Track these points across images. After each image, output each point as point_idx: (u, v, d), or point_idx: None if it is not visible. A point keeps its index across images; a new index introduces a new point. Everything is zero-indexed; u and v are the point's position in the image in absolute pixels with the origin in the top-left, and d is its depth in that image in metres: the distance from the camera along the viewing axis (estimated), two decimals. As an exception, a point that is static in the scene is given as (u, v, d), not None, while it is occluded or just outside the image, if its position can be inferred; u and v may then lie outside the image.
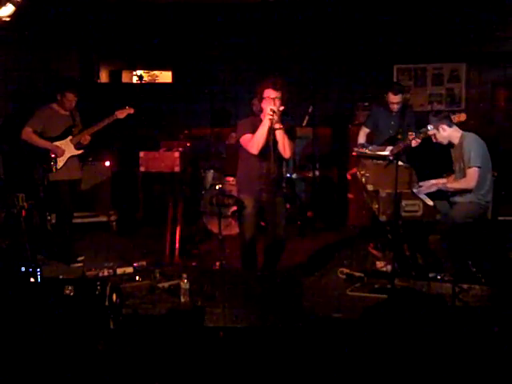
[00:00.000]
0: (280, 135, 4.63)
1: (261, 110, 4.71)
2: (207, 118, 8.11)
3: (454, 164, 5.19)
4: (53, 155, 5.83)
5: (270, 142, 4.57)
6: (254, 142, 4.67)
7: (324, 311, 4.54)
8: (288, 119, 4.94)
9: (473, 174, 4.92)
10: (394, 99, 5.86)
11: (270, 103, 4.60)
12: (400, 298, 4.00)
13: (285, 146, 4.68)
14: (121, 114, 6.00)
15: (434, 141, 5.10)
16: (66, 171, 5.90)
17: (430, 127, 5.05)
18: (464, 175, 5.01)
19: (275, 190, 4.77)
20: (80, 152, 6.02)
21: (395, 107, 5.90)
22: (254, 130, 4.69)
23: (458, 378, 3.40)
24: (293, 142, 4.84)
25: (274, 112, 4.53)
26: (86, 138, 5.96)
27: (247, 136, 4.73)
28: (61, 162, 5.88)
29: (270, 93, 4.64)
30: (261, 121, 4.67)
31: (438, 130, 5.04)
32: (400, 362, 3.53)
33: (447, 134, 5.06)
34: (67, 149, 5.92)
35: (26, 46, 7.28)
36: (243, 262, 4.99)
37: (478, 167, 4.90)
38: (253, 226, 4.88)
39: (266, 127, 4.59)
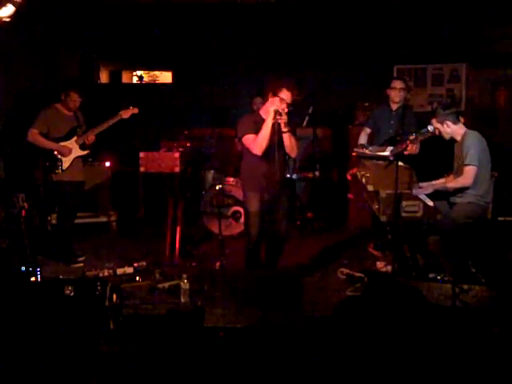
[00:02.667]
0: (287, 137, 4.63)
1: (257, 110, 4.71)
2: (207, 118, 8.13)
3: (455, 160, 5.20)
4: (58, 156, 5.82)
5: (275, 142, 4.57)
6: (258, 143, 4.64)
7: (324, 311, 4.53)
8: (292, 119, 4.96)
9: (469, 172, 4.92)
10: (398, 84, 5.89)
11: (276, 103, 4.59)
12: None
13: (293, 147, 4.70)
14: (125, 114, 5.99)
15: (437, 134, 5.09)
16: (70, 172, 5.89)
17: (430, 127, 5.05)
18: (461, 173, 5.01)
19: (280, 189, 4.78)
20: (85, 153, 6.00)
21: (397, 94, 5.88)
22: (256, 129, 4.67)
23: (459, 378, 3.40)
24: (297, 140, 4.86)
25: (280, 115, 4.53)
26: (91, 138, 5.94)
27: (250, 136, 4.70)
28: (66, 163, 5.86)
29: (285, 95, 4.60)
30: (262, 119, 4.67)
31: (442, 124, 5.04)
32: (399, 362, 3.54)
33: (450, 130, 5.05)
34: (73, 149, 5.91)
35: (26, 46, 7.28)
36: (247, 261, 4.98)
37: (476, 166, 4.90)
38: (259, 223, 4.85)
39: (268, 128, 4.58)
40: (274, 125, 4.58)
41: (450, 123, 5.03)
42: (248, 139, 4.72)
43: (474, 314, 4.25)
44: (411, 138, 5.26)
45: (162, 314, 4.49)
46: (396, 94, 5.91)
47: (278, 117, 4.53)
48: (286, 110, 4.59)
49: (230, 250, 5.63)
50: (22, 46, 7.20)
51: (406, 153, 5.21)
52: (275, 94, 4.62)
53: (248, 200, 4.90)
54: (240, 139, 4.82)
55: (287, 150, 4.68)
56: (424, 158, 5.71)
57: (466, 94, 8.16)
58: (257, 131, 4.66)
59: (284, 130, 4.58)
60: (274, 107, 4.56)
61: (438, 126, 5.04)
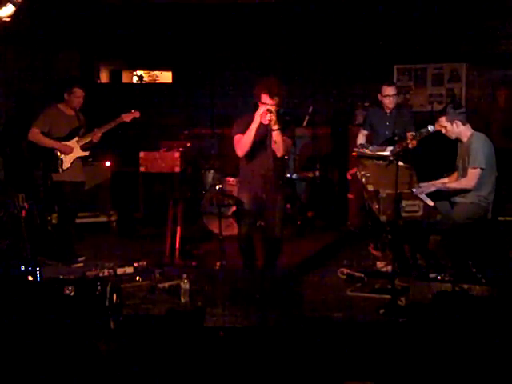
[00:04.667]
0: (275, 135, 4.61)
1: (256, 107, 4.71)
2: (207, 118, 8.13)
3: (458, 160, 5.19)
4: (59, 155, 5.81)
5: (268, 141, 4.57)
6: (241, 144, 4.70)
7: (324, 311, 4.54)
8: (289, 117, 4.96)
9: (474, 174, 4.92)
10: (389, 91, 5.86)
11: (264, 107, 4.61)
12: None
13: (279, 146, 4.66)
14: (127, 118, 6.00)
15: (444, 132, 5.08)
16: (71, 172, 5.88)
17: (430, 127, 5.04)
18: (465, 174, 5.01)
19: (274, 188, 4.78)
20: (86, 153, 6.00)
21: (390, 101, 5.87)
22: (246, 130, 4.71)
23: (459, 378, 3.40)
24: (290, 140, 4.86)
25: (271, 112, 4.54)
26: (97, 136, 5.94)
27: (238, 137, 4.75)
28: (67, 163, 5.85)
29: (266, 99, 4.63)
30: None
31: (451, 123, 5.03)
32: (400, 362, 3.54)
33: (459, 130, 5.04)
34: (74, 149, 5.90)
35: (26, 46, 7.28)
36: (243, 259, 5.02)
37: (481, 169, 4.90)
38: (249, 222, 4.87)
39: (252, 130, 4.60)
40: (266, 126, 4.59)
41: (459, 123, 5.02)
42: (236, 139, 4.77)
43: (474, 314, 4.25)
44: (410, 137, 5.26)
45: (162, 313, 4.49)
46: (390, 101, 5.90)
47: (268, 116, 4.53)
48: (275, 108, 4.59)
49: (230, 250, 5.62)
50: (21, 46, 7.19)
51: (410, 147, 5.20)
52: (260, 99, 4.65)
53: (240, 199, 4.94)
54: (232, 139, 4.86)
55: (273, 146, 4.64)
56: (425, 158, 5.71)
57: (466, 94, 8.16)
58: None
59: (274, 127, 4.57)
60: (267, 107, 4.57)
61: (447, 124, 5.02)
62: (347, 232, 7.11)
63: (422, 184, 5.19)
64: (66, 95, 5.86)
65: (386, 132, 5.94)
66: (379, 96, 5.95)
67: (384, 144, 5.76)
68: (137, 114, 6.04)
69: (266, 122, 4.58)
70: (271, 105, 4.59)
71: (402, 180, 4.82)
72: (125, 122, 6.02)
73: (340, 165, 7.77)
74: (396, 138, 5.59)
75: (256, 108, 4.70)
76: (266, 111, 4.54)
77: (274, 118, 4.54)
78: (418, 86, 8.31)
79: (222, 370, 3.49)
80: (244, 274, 4.75)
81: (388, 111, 5.97)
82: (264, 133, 4.61)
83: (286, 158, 5.33)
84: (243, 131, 4.70)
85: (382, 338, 3.94)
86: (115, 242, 6.84)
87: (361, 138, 6.22)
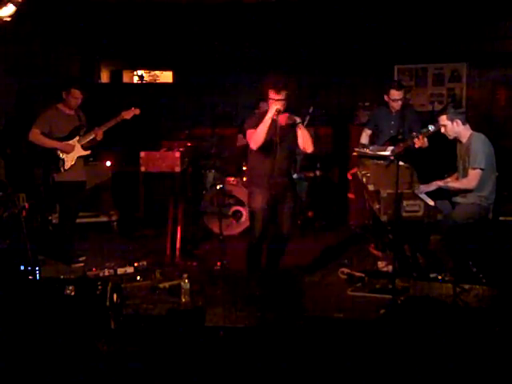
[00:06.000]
0: (300, 131, 4.73)
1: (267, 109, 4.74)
2: (208, 118, 8.14)
3: (458, 161, 5.19)
4: (61, 155, 5.80)
5: (277, 141, 4.59)
6: (254, 138, 4.72)
7: (324, 311, 4.53)
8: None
9: (475, 175, 4.92)
10: (397, 95, 5.86)
11: (275, 103, 4.64)
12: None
13: (306, 141, 4.76)
14: (127, 115, 5.98)
15: (443, 131, 5.08)
16: (72, 172, 5.86)
17: (430, 127, 5.05)
18: (466, 175, 5.01)
19: (284, 188, 4.81)
20: (87, 152, 5.98)
21: (398, 104, 5.88)
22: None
23: (459, 378, 3.40)
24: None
25: (279, 112, 4.58)
26: (100, 134, 5.92)
27: (251, 131, 4.79)
28: (69, 163, 5.83)
29: (272, 95, 4.67)
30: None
31: (451, 122, 5.03)
32: (400, 362, 3.54)
33: (458, 129, 5.04)
34: (75, 148, 5.89)
35: (26, 46, 7.28)
36: (248, 259, 4.98)
37: (481, 169, 4.90)
38: (263, 220, 4.86)
39: (266, 123, 4.63)
40: (273, 123, 4.61)
41: (459, 122, 5.02)
42: (249, 134, 4.81)
43: (474, 314, 4.25)
44: (413, 134, 5.26)
45: (162, 313, 4.49)
46: (397, 104, 5.90)
47: (275, 114, 4.59)
48: (281, 108, 4.63)
49: (230, 250, 5.63)
50: (22, 46, 7.19)
51: (416, 146, 5.21)
52: (268, 96, 4.70)
53: (251, 196, 4.94)
54: (245, 134, 4.90)
55: (300, 144, 4.77)
56: (425, 158, 5.71)
57: (467, 94, 8.16)
58: None
59: (296, 122, 4.70)
60: (276, 106, 4.61)
61: (447, 123, 5.02)
62: (348, 232, 7.11)
63: (422, 185, 5.19)
64: (64, 94, 5.85)
65: (391, 131, 5.94)
66: (386, 97, 5.95)
67: (387, 143, 5.77)
68: (137, 112, 6.04)
69: (289, 122, 4.64)
70: (279, 100, 4.63)
71: (403, 180, 4.83)
72: (126, 120, 6.01)
73: (341, 164, 7.78)
74: (400, 137, 5.59)
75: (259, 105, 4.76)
76: (278, 110, 4.58)
77: (279, 115, 4.58)
78: (418, 86, 8.32)
79: (222, 369, 3.50)
80: (244, 273, 4.74)
81: (394, 111, 5.97)
82: (273, 132, 4.63)
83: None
84: (255, 127, 4.73)
85: (382, 338, 3.94)
86: (116, 241, 6.83)
87: (364, 138, 6.23)
